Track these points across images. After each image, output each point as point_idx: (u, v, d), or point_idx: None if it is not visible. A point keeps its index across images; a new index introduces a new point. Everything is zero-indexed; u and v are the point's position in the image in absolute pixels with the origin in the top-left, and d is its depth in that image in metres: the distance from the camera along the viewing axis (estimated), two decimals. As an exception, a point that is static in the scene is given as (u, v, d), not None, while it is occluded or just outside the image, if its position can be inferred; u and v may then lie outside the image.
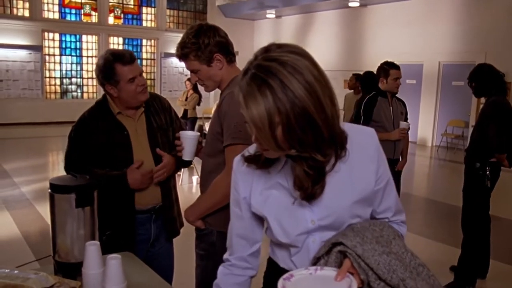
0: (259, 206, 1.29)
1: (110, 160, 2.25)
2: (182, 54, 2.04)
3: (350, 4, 12.85)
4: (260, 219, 1.35)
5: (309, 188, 1.18)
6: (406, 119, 4.46)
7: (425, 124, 11.99)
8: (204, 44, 1.99)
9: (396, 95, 4.42)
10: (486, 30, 10.53)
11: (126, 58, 2.21)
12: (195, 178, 7.13)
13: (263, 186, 1.28)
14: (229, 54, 2.07)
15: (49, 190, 1.70)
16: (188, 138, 2.19)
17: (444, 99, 11.69)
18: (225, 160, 1.95)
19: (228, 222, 2.00)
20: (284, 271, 1.26)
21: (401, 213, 1.37)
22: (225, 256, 1.44)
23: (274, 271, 1.38)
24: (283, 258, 1.36)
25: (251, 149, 1.31)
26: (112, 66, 2.20)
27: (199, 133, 2.23)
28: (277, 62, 1.06)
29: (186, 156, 2.21)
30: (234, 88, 1.96)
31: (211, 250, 2.07)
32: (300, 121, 1.05)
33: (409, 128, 4.34)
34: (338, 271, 1.16)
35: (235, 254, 1.40)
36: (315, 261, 1.24)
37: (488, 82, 3.70)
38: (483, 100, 3.89)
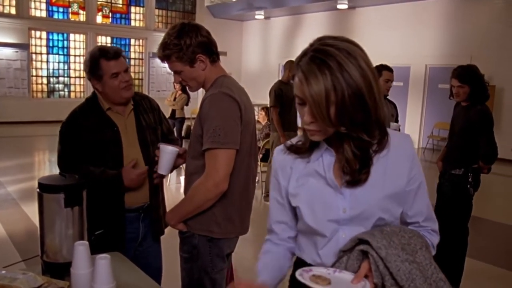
0: (294, 191, 1.35)
1: (101, 156, 2.25)
2: (164, 55, 2.02)
3: (339, 6, 12.91)
4: None
5: (357, 172, 1.24)
6: (396, 122, 4.49)
7: (411, 126, 12.09)
8: (186, 45, 1.96)
9: (387, 98, 4.46)
10: (471, 34, 10.68)
11: (110, 53, 2.23)
12: (183, 179, 7.11)
13: (301, 173, 1.35)
14: (212, 53, 2.05)
15: (38, 190, 1.70)
16: (166, 152, 2.17)
17: (430, 101, 11.81)
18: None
19: (209, 225, 2.01)
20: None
21: (433, 222, 1.40)
22: (266, 237, 1.48)
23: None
24: (309, 252, 1.38)
25: (294, 140, 1.40)
26: (97, 61, 2.23)
27: (177, 150, 2.21)
28: (334, 47, 1.18)
29: (161, 170, 2.21)
30: (215, 89, 1.97)
31: (194, 253, 2.07)
32: (353, 100, 1.16)
33: (399, 130, 4.36)
34: (355, 275, 1.20)
35: (276, 236, 1.45)
36: (341, 255, 1.28)
37: (483, 87, 3.58)
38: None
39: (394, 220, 1.32)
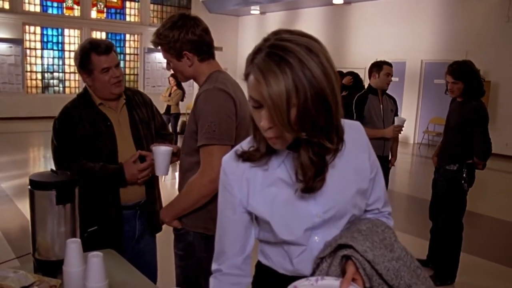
0: (259, 206, 1.22)
1: (95, 151, 2.22)
2: (154, 43, 2.04)
3: (334, 1, 12.87)
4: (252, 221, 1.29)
5: (311, 180, 1.14)
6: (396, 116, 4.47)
7: (407, 121, 12.05)
8: (174, 40, 1.95)
9: (387, 92, 4.45)
10: (467, 30, 10.68)
11: (101, 48, 2.19)
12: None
13: (262, 184, 1.21)
14: (202, 53, 2.01)
15: (29, 187, 1.67)
16: (159, 153, 2.12)
17: (425, 97, 11.82)
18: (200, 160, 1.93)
19: (204, 222, 1.98)
20: (284, 276, 1.22)
21: (388, 205, 1.36)
22: (214, 266, 1.32)
23: (269, 279, 1.32)
24: (281, 262, 1.28)
25: (244, 145, 1.25)
26: (87, 54, 2.19)
27: (171, 148, 2.17)
28: (292, 42, 1.04)
29: (158, 172, 2.15)
30: (210, 85, 1.95)
31: (189, 250, 2.05)
32: (316, 102, 1.03)
33: (403, 125, 4.27)
34: (341, 280, 1.13)
35: (228, 261, 1.28)
36: (319, 262, 1.20)
37: (477, 83, 3.59)
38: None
39: (361, 213, 1.28)
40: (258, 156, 1.19)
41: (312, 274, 1.21)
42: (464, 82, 3.57)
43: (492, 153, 3.67)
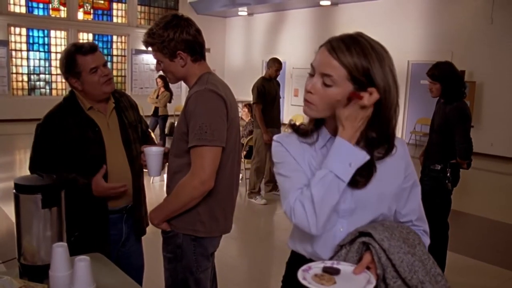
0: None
1: (82, 157, 2.18)
2: (146, 42, 2.02)
3: (322, 3, 12.93)
4: None
5: (356, 175, 1.23)
6: None
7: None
8: (169, 39, 1.94)
9: None
10: (452, 30, 10.79)
11: (86, 47, 2.16)
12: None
13: (307, 156, 1.34)
14: (195, 53, 2.02)
15: (14, 191, 1.65)
16: (152, 154, 2.12)
17: (412, 97, 11.90)
18: (190, 161, 1.92)
19: (193, 224, 1.99)
20: (308, 260, 1.29)
21: (425, 222, 1.42)
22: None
23: (298, 261, 1.37)
24: (304, 243, 1.36)
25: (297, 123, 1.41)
26: (73, 57, 2.16)
27: (163, 149, 2.16)
28: (368, 42, 1.23)
29: (151, 173, 2.15)
30: (201, 86, 1.95)
31: (178, 253, 2.04)
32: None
33: None
34: (357, 266, 1.19)
35: None
36: (338, 249, 1.27)
37: (455, 84, 3.63)
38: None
39: (390, 216, 1.34)
40: (304, 130, 1.35)
41: (331, 259, 1.27)
42: (441, 82, 3.64)
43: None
